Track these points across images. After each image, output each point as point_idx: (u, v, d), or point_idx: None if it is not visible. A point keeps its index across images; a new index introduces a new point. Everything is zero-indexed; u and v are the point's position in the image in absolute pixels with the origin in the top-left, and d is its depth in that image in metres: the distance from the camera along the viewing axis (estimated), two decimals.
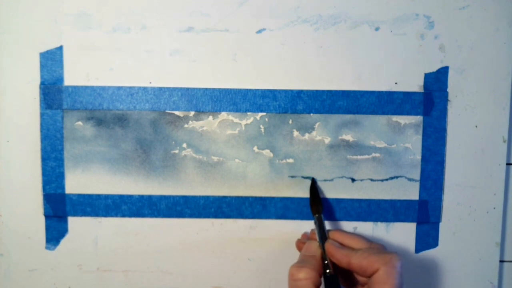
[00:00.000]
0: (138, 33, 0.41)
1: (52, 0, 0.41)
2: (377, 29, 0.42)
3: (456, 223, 0.43)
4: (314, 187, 0.42)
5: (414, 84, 0.42)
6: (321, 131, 0.42)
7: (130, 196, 0.43)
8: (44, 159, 0.42)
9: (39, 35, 0.41)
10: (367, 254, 0.35)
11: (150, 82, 0.42)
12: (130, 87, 0.42)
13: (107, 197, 0.43)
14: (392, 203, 0.43)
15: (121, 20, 0.41)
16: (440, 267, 0.44)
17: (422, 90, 0.42)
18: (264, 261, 0.43)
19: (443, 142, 0.42)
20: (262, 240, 0.43)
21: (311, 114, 0.42)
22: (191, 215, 0.43)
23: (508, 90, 0.42)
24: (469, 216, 0.43)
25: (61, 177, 0.42)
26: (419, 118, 0.42)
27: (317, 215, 0.40)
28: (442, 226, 0.43)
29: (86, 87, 0.42)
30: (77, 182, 0.42)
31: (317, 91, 0.42)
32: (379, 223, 0.43)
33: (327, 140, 0.42)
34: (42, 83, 0.42)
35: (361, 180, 0.43)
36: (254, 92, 0.42)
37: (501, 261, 0.45)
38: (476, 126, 0.42)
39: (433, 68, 0.42)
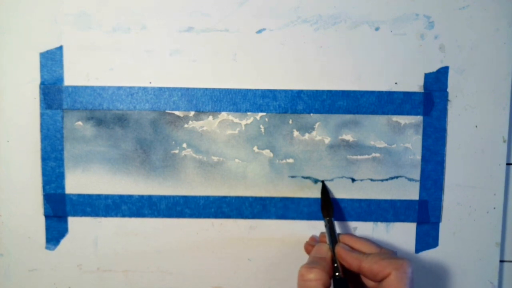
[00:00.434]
0: (138, 33, 0.41)
1: (52, 0, 0.41)
2: (377, 29, 0.42)
3: (456, 223, 0.43)
4: (325, 190, 0.42)
5: (414, 84, 0.42)
6: (321, 131, 0.42)
7: (130, 196, 0.43)
8: (44, 159, 0.42)
9: (39, 35, 0.41)
10: (378, 259, 0.34)
11: (150, 82, 0.42)
12: (130, 87, 0.42)
13: (107, 197, 0.43)
14: (392, 203, 0.43)
15: (121, 20, 0.41)
16: (440, 267, 0.44)
17: (422, 90, 0.42)
18: (264, 261, 0.43)
19: (443, 142, 0.42)
20: (262, 240, 0.43)
21: (311, 114, 0.42)
22: (191, 215, 0.43)
23: (508, 90, 0.42)
24: (469, 216, 0.43)
25: (61, 177, 0.42)
26: (419, 118, 0.42)
27: (327, 218, 0.40)
28: (442, 226, 0.43)
29: (86, 87, 0.42)
30: (77, 182, 0.42)
31: (317, 91, 0.42)
32: (379, 223, 0.43)
33: (327, 140, 0.42)
34: (42, 83, 0.42)
35: (361, 180, 0.43)
36: (254, 92, 0.42)
37: (501, 261, 0.45)
38: (476, 126, 0.42)
39: (433, 68, 0.42)
